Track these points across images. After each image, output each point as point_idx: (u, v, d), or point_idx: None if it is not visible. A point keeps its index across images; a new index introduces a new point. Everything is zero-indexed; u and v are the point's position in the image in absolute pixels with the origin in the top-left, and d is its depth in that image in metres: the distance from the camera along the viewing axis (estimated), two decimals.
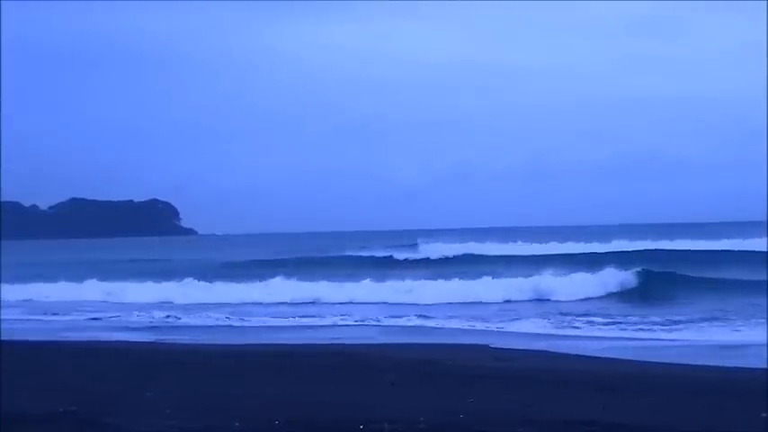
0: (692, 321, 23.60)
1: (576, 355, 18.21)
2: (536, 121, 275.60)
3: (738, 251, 43.68)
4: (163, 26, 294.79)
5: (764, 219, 62.63)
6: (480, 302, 31.42)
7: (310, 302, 33.38)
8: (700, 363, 16.75)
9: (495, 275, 36.89)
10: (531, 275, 34.96)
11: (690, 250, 46.71)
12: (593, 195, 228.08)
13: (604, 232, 76.50)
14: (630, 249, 49.00)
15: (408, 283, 35.92)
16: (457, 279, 36.59)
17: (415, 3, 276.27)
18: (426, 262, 50.97)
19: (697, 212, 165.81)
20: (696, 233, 64.62)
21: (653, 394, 12.67)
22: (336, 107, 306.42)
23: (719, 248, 46.44)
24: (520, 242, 64.03)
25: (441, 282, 36.14)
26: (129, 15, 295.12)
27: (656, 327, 23.18)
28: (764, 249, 41.34)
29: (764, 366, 15.92)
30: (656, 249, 48.34)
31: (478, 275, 37.05)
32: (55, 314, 31.05)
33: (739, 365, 16.25)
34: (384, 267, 46.64)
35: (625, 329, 23.08)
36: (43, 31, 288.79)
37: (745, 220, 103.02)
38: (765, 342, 19.09)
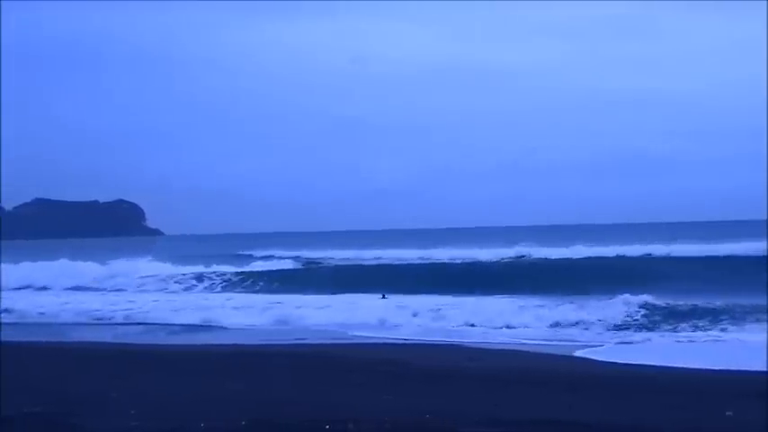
0: (655, 326, 23.69)
1: (545, 355, 18.30)
2: (519, 120, 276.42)
3: (708, 256, 42.94)
4: (134, 27, 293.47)
5: (749, 218, 62.69)
6: None
7: None
8: (664, 364, 16.86)
9: None
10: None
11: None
12: (576, 194, 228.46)
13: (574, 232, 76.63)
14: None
15: None
16: None
17: (400, 3, 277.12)
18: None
19: (680, 211, 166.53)
20: (668, 233, 64.63)
21: (618, 394, 12.74)
22: (316, 107, 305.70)
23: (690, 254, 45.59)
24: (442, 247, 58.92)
25: None
26: (99, 16, 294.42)
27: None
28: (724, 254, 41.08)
29: (728, 368, 16.09)
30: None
31: None
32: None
33: (703, 367, 16.38)
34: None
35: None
36: (8, 31, 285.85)
37: (728, 219, 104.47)
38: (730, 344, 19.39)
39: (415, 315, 26.91)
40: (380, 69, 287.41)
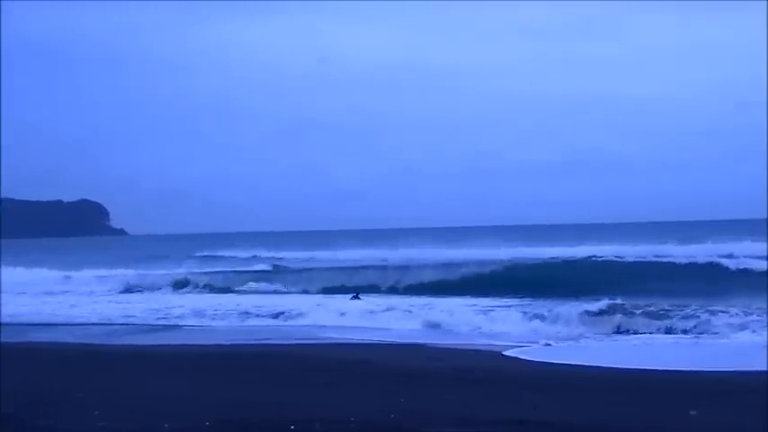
0: (618, 327, 23.78)
1: (509, 356, 18.34)
2: (483, 121, 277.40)
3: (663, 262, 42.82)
4: (96, 27, 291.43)
5: (707, 218, 62.77)
6: None
7: None
8: (627, 365, 16.94)
9: None
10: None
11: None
12: (536, 195, 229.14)
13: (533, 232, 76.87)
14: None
15: None
16: None
17: (360, 3, 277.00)
18: None
19: (638, 212, 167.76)
20: (629, 235, 64.89)
21: (581, 394, 12.80)
22: (280, 108, 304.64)
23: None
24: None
25: None
26: (60, 16, 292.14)
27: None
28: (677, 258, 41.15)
29: (691, 368, 16.22)
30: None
31: None
32: None
33: (667, 367, 16.48)
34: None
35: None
36: None
37: (687, 219, 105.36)
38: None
39: (382, 315, 26.91)
40: (343, 70, 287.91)
